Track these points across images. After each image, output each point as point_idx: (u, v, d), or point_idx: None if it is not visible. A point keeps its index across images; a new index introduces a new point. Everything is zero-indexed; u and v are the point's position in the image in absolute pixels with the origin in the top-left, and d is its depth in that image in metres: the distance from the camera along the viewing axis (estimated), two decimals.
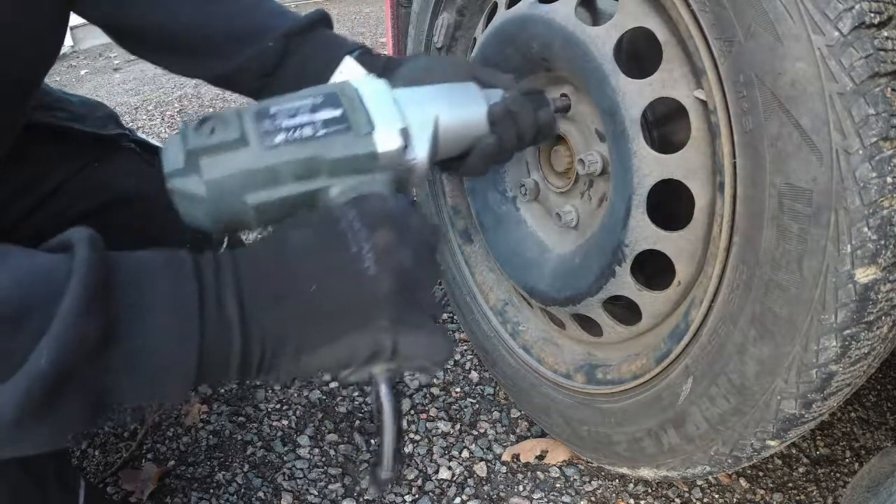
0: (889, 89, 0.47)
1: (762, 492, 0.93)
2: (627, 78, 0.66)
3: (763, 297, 0.57)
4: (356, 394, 1.15)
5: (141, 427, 1.10)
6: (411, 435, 1.06)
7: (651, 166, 0.66)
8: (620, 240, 0.70)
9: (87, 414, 0.37)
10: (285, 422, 1.10)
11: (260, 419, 1.11)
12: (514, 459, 1.01)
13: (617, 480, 0.96)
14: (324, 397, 1.15)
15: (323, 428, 1.09)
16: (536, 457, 1.00)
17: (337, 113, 0.50)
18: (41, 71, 0.73)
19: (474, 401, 1.12)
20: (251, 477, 1.00)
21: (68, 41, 4.43)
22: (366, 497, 0.96)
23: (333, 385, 1.17)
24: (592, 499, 0.94)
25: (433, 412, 1.10)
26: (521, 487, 0.96)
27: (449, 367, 1.20)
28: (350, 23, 4.44)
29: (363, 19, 4.62)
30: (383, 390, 0.49)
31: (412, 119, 0.53)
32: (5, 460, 0.40)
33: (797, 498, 0.92)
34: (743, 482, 0.94)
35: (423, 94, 0.60)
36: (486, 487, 0.96)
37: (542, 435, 1.03)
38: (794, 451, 0.99)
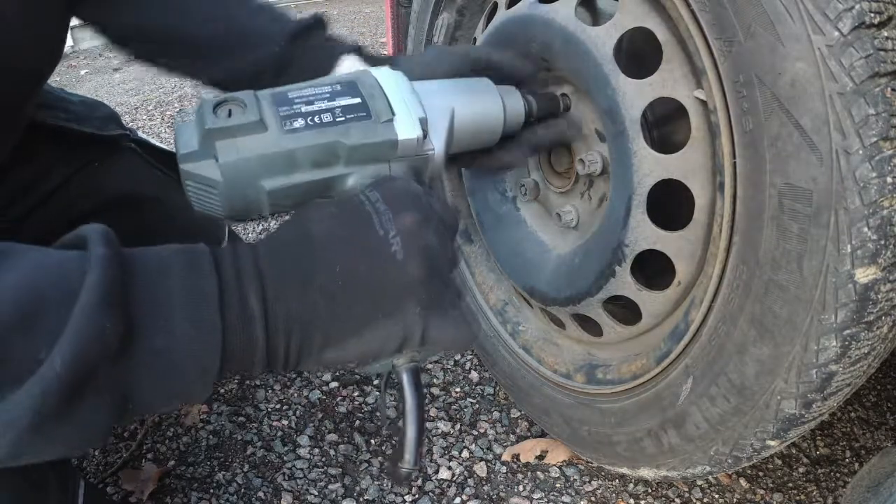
0: (889, 89, 0.47)
1: (762, 492, 0.93)
2: (627, 78, 0.66)
3: (763, 297, 0.57)
4: (356, 394, 1.15)
5: (141, 427, 1.10)
6: None
7: (651, 166, 0.66)
8: (620, 240, 0.70)
9: (110, 416, 0.36)
10: (285, 422, 1.10)
11: (260, 419, 1.11)
12: (514, 459, 1.01)
13: (617, 480, 0.96)
14: (324, 397, 1.15)
15: (323, 428, 1.09)
16: (536, 457, 1.00)
17: (356, 100, 0.49)
18: (45, 72, 0.73)
19: (474, 401, 1.12)
20: (251, 477, 1.00)
21: (68, 41, 4.43)
22: (366, 497, 0.96)
23: (333, 385, 1.17)
24: (592, 499, 0.94)
25: (433, 412, 1.10)
26: (521, 487, 0.96)
27: (449, 367, 1.20)
28: (350, 23, 4.44)
29: (363, 19, 4.62)
30: (407, 381, 0.47)
31: (430, 110, 0.53)
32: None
33: (797, 498, 0.92)
34: (743, 482, 0.94)
35: (440, 87, 0.59)
36: (486, 487, 0.96)
37: (542, 435, 1.03)
38: (794, 451, 0.99)
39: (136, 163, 0.92)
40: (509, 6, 0.83)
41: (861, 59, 0.47)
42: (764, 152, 0.53)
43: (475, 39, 0.96)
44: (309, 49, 0.71)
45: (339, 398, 1.15)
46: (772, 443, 0.62)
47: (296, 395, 1.16)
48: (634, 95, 0.65)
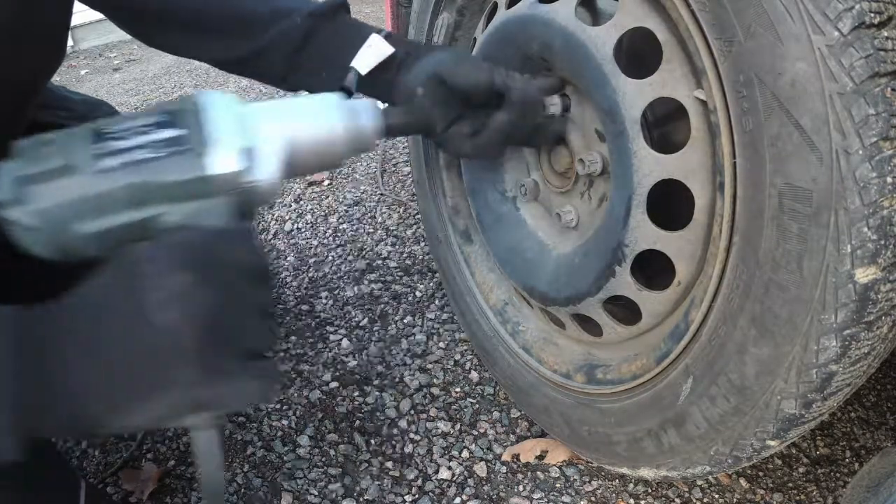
0: (889, 89, 0.47)
1: (762, 492, 0.93)
2: (627, 78, 0.66)
3: (763, 297, 0.57)
4: (356, 394, 1.15)
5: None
6: (411, 435, 1.06)
7: (651, 166, 0.66)
8: (620, 240, 0.70)
9: None
10: (285, 422, 1.10)
11: (260, 419, 1.11)
12: (514, 459, 1.01)
13: (617, 480, 0.96)
14: (324, 397, 1.15)
15: (323, 428, 1.09)
16: (536, 457, 1.00)
17: (176, 133, 0.47)
18: (47, 72, 0.72)
19: (474, 401, 1.12)
20: (251, 477, 1.00)
21: (68, 41, 4.43)
22: (366, 497, 0.96)
23: (333, 385, 1.17)
24: (592, 499, 0.94)
25: (433, 412, 1.10)
26: (521, 487, 0.96)
27: (449, 367, 1.20)
28: None
29: (363, 19, 4.60)
30: (201, 439, 0.44)
31: (260, 138, 0.50)
32: (3, 462, 0.40)
33: (797, 498, 0.92)
34: (743, 482, 0.94)
35: (278, 111, 0.56)
36: (486, 487, 0.96)
37: (542, 435, 1.03)
38: (794, 451, 0.99)
39: None
40: (509, 6, 0.83)
41: (861, 59, 0.47)
42: (764, 152, 0.53)
43: (475, 39, 0.96)
44: (332, 27, 0.70)
45: (339, 398, 1.15)
46: (772, 443, 0.62)
47: (296, 395, 1.16)
48: (634, 95, 0.65)
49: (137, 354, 0.40)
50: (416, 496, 0.95)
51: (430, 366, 1.20)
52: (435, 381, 1.17)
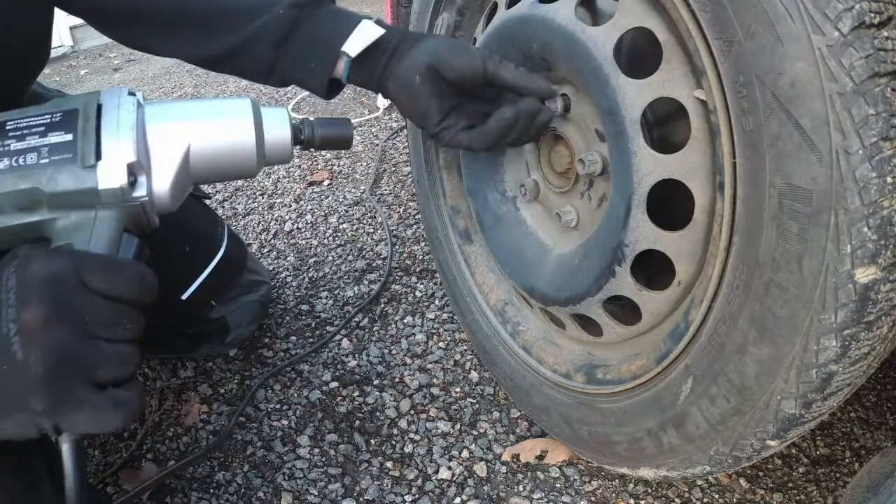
0: (889, 89, 0.47)
1: (762, 492, 0.93)
2: (627, 78, 0.66)
3: (763, 297, 0.57)
4: (356, 394, 1.15)
5: (141, 427, 1.10)
6: (411, 435, 1.06)
7: (651, 166, 0.66)
8: (620, 240, 0.70)
9: None
10: (285, 422, 1.10)
11: (260, 419, 1.11)
12: (514, 459, 1.01)
13: (617, 480, 0.96)
14: (324, 397, 1.15)
15: (323, 428, 1.09)
16: (536, 457, 1.00)
17: (67, 138, 0.46)
18: (27, 76, 0.72)
19: (474, 401, 1.12)
20: (251, 477, 1.00)
21: (68, 41, 4.43)
22: (366, 497, 0.96)
23: (333, 385, 1.17)
24: (592, 499, 0.94)
25: (433, 412, 1.10)
26: (521, 487, 0.96)
27: (449, 367, 1.20)
28: None
29: None
30: (64, 453, 0.45)
31: (154, 150, 0.49)
32: None
33: (797, 498, 0.92)
34: (743, 482, 0.94)
35: (179, 117, 0.54)
36: (486, 487, 0.96)
37: (542, 435, 1.03)
38: (794, 451, 0.99)
39: None
40: (509, 6, 0.83)
41: (861, 59, 0.47)
42: (764, 152, 0.53)
43: (475, 39, 0.96)
44: (319, 15, 0.69)
45: (339, 398, 1.15)
46: (772, 443, 0.62)
47: (296, 395, 1.16)
48: (634, 95, 0.65)
49: None
50: (416, 496, 0.95)
51: (430, 366, 1.20)
52: (435, 381, 1.17)
